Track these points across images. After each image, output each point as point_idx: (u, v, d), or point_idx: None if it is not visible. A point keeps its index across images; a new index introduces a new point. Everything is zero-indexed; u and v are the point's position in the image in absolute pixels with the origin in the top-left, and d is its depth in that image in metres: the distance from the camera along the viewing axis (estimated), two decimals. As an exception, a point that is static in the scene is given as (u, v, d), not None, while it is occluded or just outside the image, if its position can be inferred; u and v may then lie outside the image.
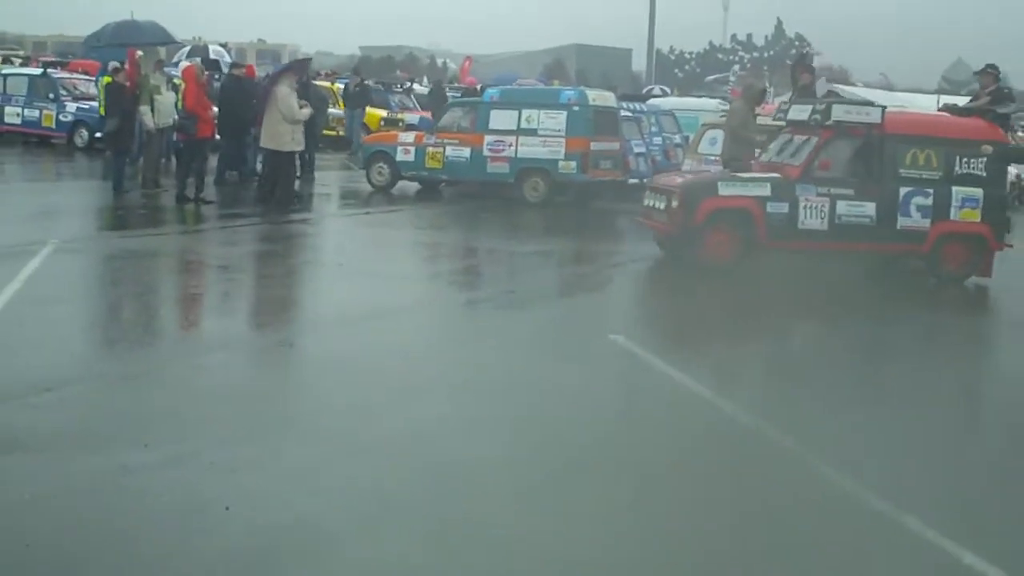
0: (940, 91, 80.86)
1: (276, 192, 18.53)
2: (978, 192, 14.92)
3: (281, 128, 18.10)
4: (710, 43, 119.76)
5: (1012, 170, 23.74)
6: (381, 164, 22.23)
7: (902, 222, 14.85)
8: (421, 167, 22.05)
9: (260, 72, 24.84)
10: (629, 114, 23.77)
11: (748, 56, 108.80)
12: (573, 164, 20.88)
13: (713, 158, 18.32)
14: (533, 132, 21.10)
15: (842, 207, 14.69)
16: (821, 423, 8.19)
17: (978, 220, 14.95)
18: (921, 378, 10.10)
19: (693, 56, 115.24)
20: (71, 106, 27.06)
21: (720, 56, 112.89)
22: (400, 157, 22.23)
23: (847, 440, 7.74)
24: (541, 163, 21.11)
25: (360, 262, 14.73)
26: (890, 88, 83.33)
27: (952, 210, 14.91)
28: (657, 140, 24.79)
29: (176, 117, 19.67)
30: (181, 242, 15.59)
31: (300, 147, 19.12)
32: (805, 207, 14.62)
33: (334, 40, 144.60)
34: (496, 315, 11.94)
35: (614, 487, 6.70)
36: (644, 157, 23.48)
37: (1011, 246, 15.39)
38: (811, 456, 7.22)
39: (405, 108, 34.05)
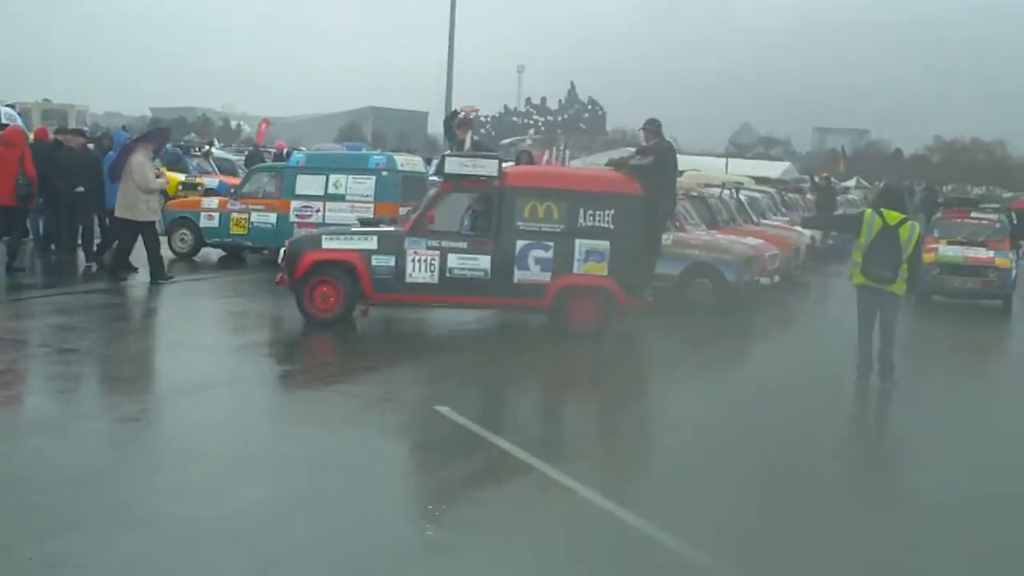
0: (728, 154, 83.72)
1: (106, 258, 18.29)
2: (604, 245, 14.67)
3: (135, 198, 17.49)
4: (505, 107, 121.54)
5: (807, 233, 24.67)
6: (184, 231, 21.69)
7: (520, 276, 14.63)
8: (225, 233, 21.52)
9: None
10: (436, 179, 23.67)
11: (542, 119, 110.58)
12: (386, 230, 20.72)
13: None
14: (341, 198, 20.83)
15: (453, 260, 14.61)
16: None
17: (604, 274, 14.72)
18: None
19: (488, 119, 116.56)
20: None
21: (515, 119, 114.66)
22: (204, 223, 21.69)
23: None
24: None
25: (171, 334, 14.30)
26: (680, 151, 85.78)
27: (575, 263, 14.69)
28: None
29: None
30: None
31: (156, 216, 18.26)
32: (413, 260, 14.61)
33: (123, 101, 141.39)
34: (314, 388, 11.67)
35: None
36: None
37: (647, 300, 15.49)
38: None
39: (204, 172, 33.29)
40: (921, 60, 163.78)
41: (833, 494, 8.76)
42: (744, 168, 59.51)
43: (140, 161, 17.57)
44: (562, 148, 57.37)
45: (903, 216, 12.78)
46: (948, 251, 21.64)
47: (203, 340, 13.92)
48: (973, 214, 23.65)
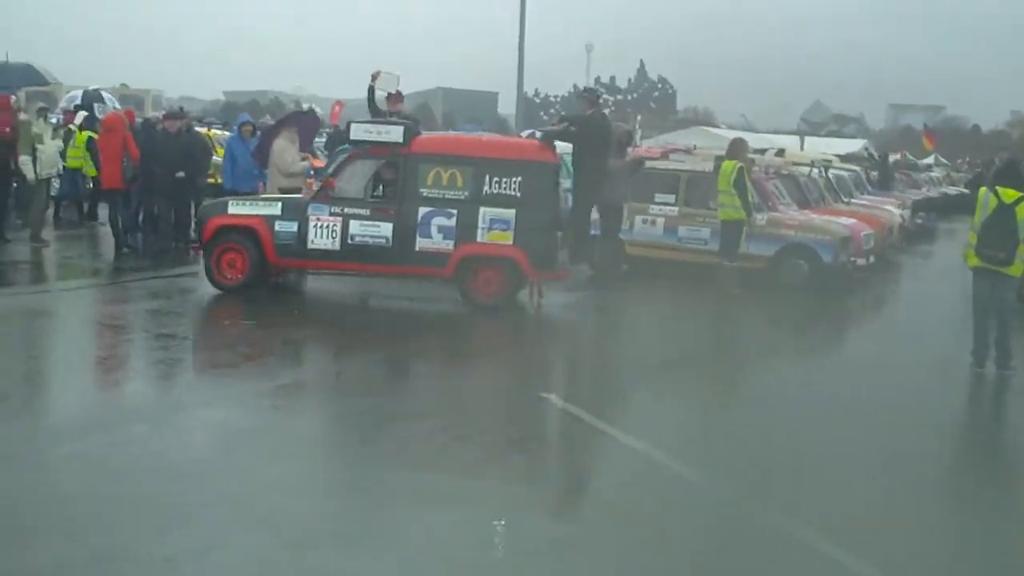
0: (800, 132, 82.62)
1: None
2: (509, 213, 14.29)
3: (277, 182, 17.26)
4: (574, 86, 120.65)
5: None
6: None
7: (422, 243, 14.35)
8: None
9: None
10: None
11: (612, 98, 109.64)
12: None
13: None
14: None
15: (355, 227, 14.41)
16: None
17: (509, 243, 14.31)
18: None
19: (558, 99, 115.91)
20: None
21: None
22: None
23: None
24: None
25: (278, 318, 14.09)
26: (752, 129, 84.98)
27: (479, 232, 14.32)
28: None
29: (61, 166, 18.94)
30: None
31: None
32: (315, 227, 14.44)
33: (197, 85, 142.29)
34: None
35: None
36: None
37: (567, 273, 15.14)
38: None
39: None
40: (995, 34, 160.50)
41: (952, 487, 8.44)
42: (819, 146, 58.35)
43: (281, 146, 17.39)
44: (637, 128, 56.54)
45: (1020, 194, 12.26)
46: None
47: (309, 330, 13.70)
48: None
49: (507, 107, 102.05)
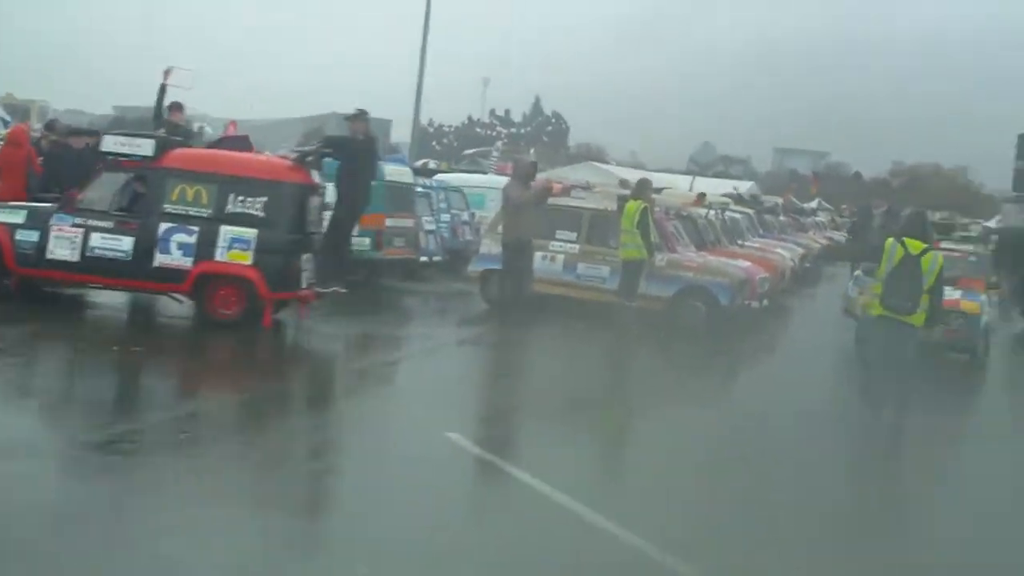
0: (688, 171, 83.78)
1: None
2: (250, 233, 14.11)
3: None
4: (469, 117, 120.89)
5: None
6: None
7: (160, 259, 14.15)
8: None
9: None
10: (420, 190, 23.19)
11: (506, 131, 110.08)
12: (367, 241, 20.15)
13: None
14: (326, 207, 20.28)
15: (96, 239, 14.28)
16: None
17: (248, 263, 14.12)
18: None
19: (452, 130, 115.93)
20: None
21: (479, 130, 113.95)
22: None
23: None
24: (334, 240, 20.31)
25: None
26: (642, 167, 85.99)
27: (218, 250, 14.14)
28: (445, 217, 24.36)
29: None
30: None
31: None
32: (56, 236, 14.33)
33: (85, 97, 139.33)
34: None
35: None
36: (435, 235, 22.99)
37: (311, 295, 14.96)
38: None
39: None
40: (878, 85, 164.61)
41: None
42: (709, 187, 59.05)
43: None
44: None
45: (926, 246, 12.48)
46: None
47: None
48: (944, 244, 18.02)
49: (399, 135, 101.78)
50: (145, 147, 14.45)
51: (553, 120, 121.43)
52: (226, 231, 14.10)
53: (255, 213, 14.18)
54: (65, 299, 15.36)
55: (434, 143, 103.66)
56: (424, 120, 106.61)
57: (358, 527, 7.35)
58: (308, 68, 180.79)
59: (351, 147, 16.12)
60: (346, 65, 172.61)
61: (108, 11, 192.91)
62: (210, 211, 14.18)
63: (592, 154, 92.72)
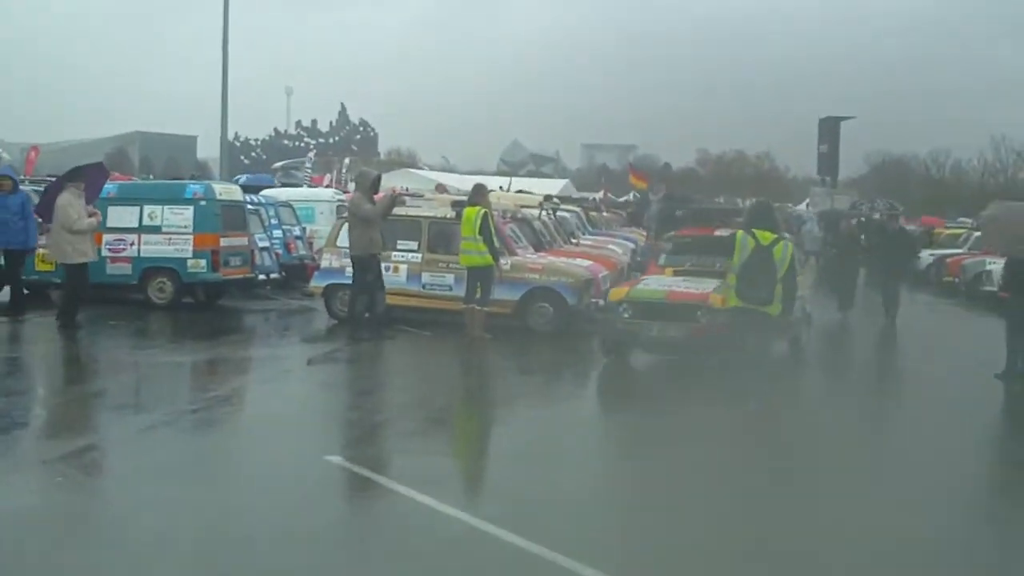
0: (499, 172, 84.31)
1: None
2: None
3: (61, 239, 16.62)
4: (275, 129, 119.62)
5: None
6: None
7: None
8: (30, 270, 19.97)
9: None
10: (250, 207, 22.66)
11: (314, 142, 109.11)
12: (203, 262, 19.65)
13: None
14: (157, 229, 19.72)
15: None
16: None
17: None
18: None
19: (259, 143, 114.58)
20: None
21: (286, 142, 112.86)
22: (2, 260, 20.14)
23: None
24: (168, 262, 19.72)
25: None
26: (454, 170, 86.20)
27: None
28: (277, 233, 23.89)
29: None
30: None
31: (84, 258, 16.87)
32: None
33: None
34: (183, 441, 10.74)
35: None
36: (268, 251, 22.53)
37: None
38: None
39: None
40: (679, 75, 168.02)
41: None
42: (524, 186, 59.51)
43: (66, 200, 16.40)
44: (343, 171, 56.33)
45: (776, 236, 12.67)
46: (648, 284, 15.64)
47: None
48: (719, 231, 16.41)
49: (206, 151, 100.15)
50: None
51: (361, 128, 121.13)
52: None
53: None
54: None
55: (242, 157, 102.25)
56: (230, 134, 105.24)
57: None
58: (110, 89, 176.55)
59: None
60: (147, 83, 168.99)
61: None
62: None
63: (404, 160, 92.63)
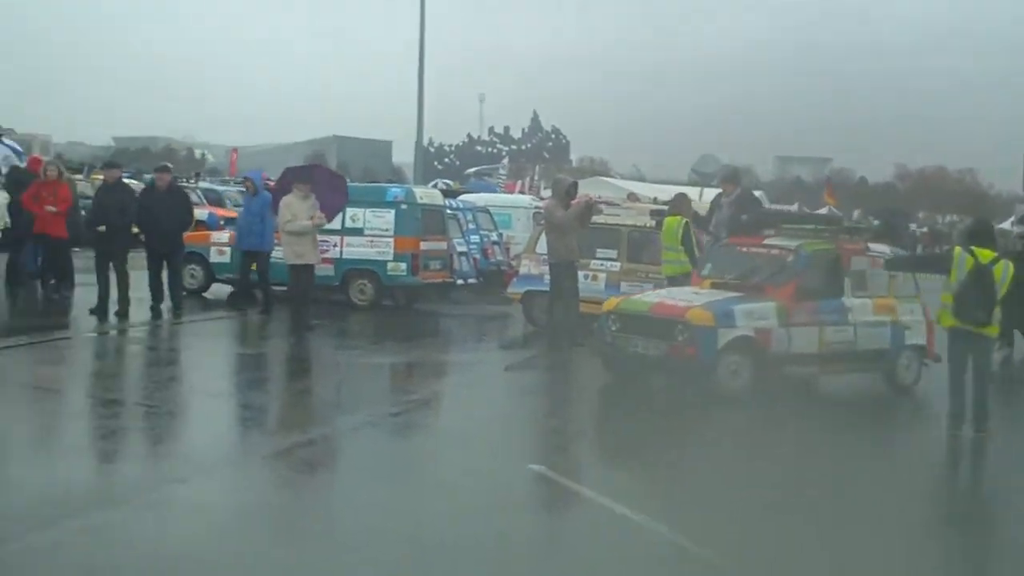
0: (691, 183, 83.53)
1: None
2: None
3: (283, 240, 16.94)
4: (469, 135, 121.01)
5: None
6: (193, 266, 20.56)
7: None
8: (237, 269, 20.55)
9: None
10: (449, 212, 22.85)
11: (507, 148, 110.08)
12: (403, 265, 19.90)
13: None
14: (359, 232, 20.04)
15: None
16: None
17: None
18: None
19: (452, 149, 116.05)
20: None
21: (479, 148, 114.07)
22: (215, 258, 20.81)
23: None
24: (369, 264, 20.03)
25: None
26: (644, 179, 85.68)
27: None
28: (475, 238, 24.04)
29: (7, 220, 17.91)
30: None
31: (300, 260, 16.71)
32: None
33: (84, 130, 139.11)
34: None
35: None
36: (467, 256, 22.69)
37: None
38: None
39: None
40: (880, 91, 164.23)
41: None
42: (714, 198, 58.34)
43: (285, 202, 16.70)
44: (535, 178, 56.59)
45: (995, 254, 12.15)
46: (642, 297, 14.67)
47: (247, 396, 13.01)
48: (769, 240, 14.81)
49: (400, 155, 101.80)
50: None
51: (553, 135, 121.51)
52: None
53: None
54: None
55: (436, 163, 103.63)
56: (424, 140, 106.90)
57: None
58: (307, 93, 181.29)
59: None
60: (344, 88, 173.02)
61: (103, 42, 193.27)
62: None
63: (597, 168, 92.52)
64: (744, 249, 15.00)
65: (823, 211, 61.11)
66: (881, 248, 15.36)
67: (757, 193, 16.52)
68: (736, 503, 8.84)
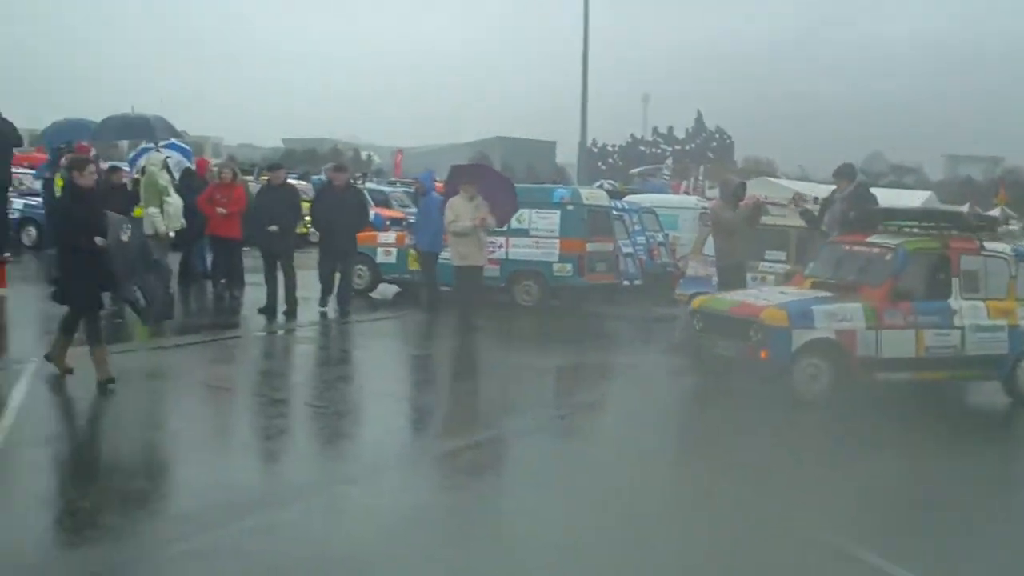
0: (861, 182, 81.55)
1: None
2: None
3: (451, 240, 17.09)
4: (632, 136, 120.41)
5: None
6: (360, 266, 20.63)
7: None
8: (404, 269, 20.69)
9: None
10: (615, 212, 22.60)
11: (670, 148, 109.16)
12: (569, 267, 19.74)
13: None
14: (524, 233, 19.93)
15: None
16: None
17: None
18: None
19: (615, 149, 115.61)
20: (17, 202, 24.14)
21: (642, 148, 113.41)
22: (381, 259, 20.98)
23: None
24: (534, 265, 19.93)
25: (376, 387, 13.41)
26: (810, 179, 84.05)
27: None
28: (641, 239, 23.75)
29: (183, 222, 18.29)
30: (171, 359, 14.01)
31: (464, 261, 16.88)
32: None
33: (255, 132, 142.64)
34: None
35: None
36: (632, 258, 22.43)
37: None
38: None
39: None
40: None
41: None
42: (887, 197, 56.89)
43: (450, 202, 16.85)
44: (699, 178, 55.97)
45: None
46: (725, 296, 14.34)
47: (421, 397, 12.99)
48: (873, 238, 13.99)
49: (563, 156, 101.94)
50: None
51: (717, 135, 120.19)
52: None
53: None
54: None
55: (599, 163, 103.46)
56: (587, 140, 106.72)
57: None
58: (470, 94, 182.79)
59: None
60: (508, 89, 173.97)
61: (268, 44, 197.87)
62: None
63: (762, 169, 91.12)
64: (847, 247, 14.27)
65: (994, 212, 59.41)
66: (999, 247, 14.04)
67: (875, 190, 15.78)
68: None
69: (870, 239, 13.94)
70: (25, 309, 16.34)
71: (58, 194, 18.48)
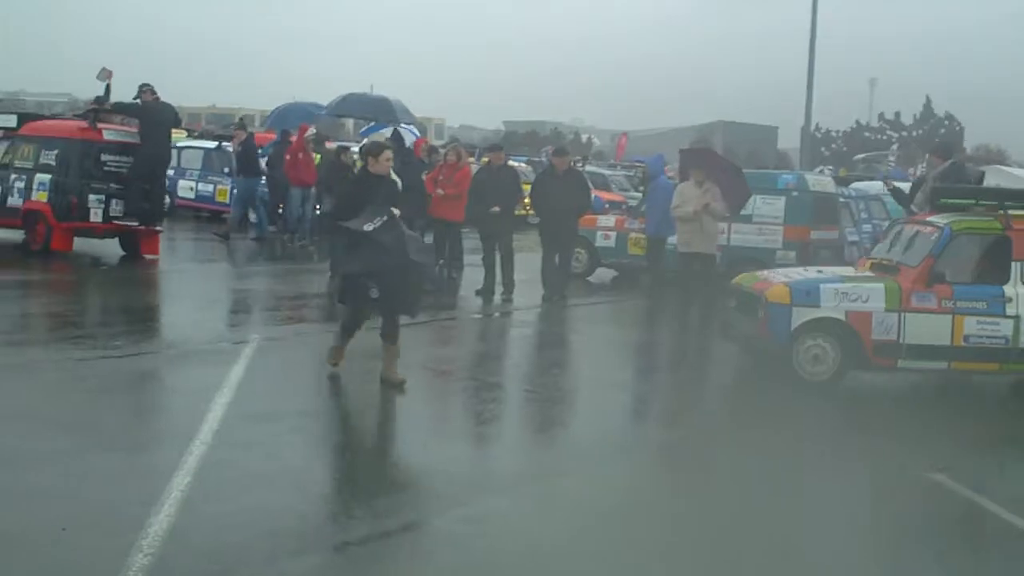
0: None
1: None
2: (47, 178, 18.73)
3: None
4: (857, 121, 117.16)
5: None
6: (579, 250, 20.21)
7: (11, 201, 19.14)
8: (623, 254, 20.42)
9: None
10: (841, 200, 21.80)
11: (896, 135, 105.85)
12: (792, 255, 19.06)
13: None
14: (747, 219, 19.30)
15: None
16: None
17: (45, 200, 18.66)
18: None
19: (839, 134, 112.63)
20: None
21: (867, 135, 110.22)
22: (600, 243, 20.79)
23: None
24: (756, 253, 19.22)
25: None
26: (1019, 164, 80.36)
27: (33, 192, 18.85)
28: (867, 228, 22.87)
29: None
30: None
31: (689, 248, 16.07)
32: None
33: (476, 114, 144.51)
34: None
35: None
36: (858, 246, 21.61)
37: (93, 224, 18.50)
38: None
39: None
40: None
41: None
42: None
43: (678, 188, 16.50)
44: (925, 166, 53.93)
45: None
46: (758, 273, 13.74)
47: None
48: (932, 217, 12.91)
49: (785, 142, 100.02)
50: (9, 121, 20.14)
51: (946, 122, 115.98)
52: (38, 177, 18.86)
53: (50, 163, 18.80)
54: None
55: (822, 149, 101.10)
56: (811, 125, 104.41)
57: None
58: (695, 77, 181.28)
59: (151, 110, 18.87)
60: (731, 72, 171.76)
61: (493, 26, 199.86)
62: (32, 163, 19.07)
63: (992, 157, 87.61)
64: (906, 227, 13.29)
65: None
66: None
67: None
68: None
69: (928, 218, 12.91)
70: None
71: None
